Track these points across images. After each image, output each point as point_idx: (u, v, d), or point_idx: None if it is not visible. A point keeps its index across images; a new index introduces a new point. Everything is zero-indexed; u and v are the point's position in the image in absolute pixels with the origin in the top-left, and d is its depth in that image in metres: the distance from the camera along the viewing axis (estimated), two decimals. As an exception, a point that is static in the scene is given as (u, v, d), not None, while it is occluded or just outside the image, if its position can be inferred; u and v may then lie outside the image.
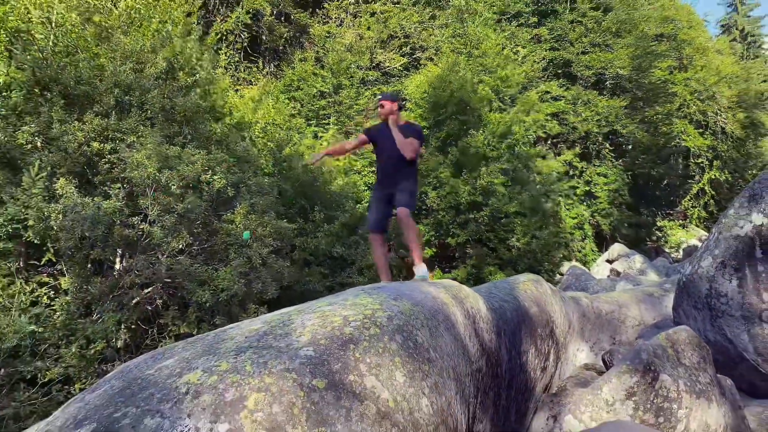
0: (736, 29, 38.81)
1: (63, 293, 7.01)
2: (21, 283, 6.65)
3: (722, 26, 40.32)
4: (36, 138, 7.24)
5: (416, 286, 3.22)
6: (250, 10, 17.02)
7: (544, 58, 20.33)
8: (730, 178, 22.50)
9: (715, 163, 22.30)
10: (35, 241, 6.76)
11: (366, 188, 15.17)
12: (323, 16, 19.56)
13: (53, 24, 7.72)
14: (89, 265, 7.22)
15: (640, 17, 21.15)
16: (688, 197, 22.21)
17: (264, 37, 18.23)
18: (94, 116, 7.55)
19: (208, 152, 8.56)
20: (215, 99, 10.23)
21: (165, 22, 9.36)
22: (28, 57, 7.20)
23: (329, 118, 17.19)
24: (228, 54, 14.52)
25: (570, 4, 21.41)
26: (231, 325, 2.60)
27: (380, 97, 5.02)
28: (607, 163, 20.18)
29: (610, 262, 16.68)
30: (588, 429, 3.39)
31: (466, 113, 16.46)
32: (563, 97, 20.11)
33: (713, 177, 22.04)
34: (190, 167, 7.79)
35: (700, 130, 22.25)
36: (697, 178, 22.50)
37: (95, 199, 6.91)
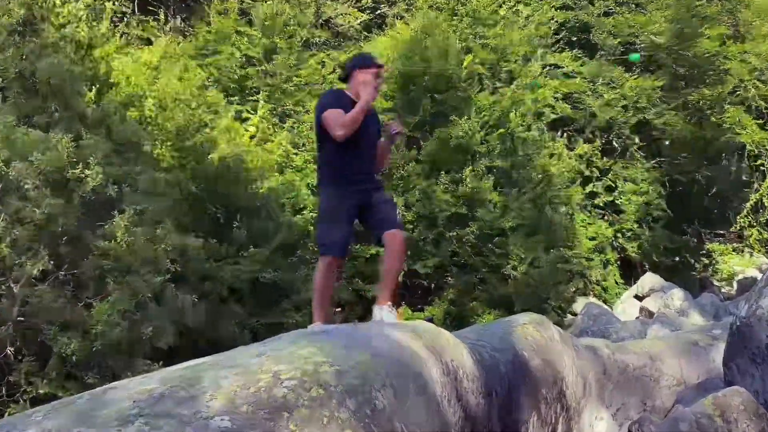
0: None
1: None
2: None
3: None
4: None
5: (377, 331, 3.24)
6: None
7: (553, 19, 20.63)
8: (801, 187, 23.01)
9: (779, 165, 22.80)
10: None
11: (310, 193, 15.11)
12: (252, -48, 19.54)
13: None
14: None
15: (683, -33, 21.66)
16: (744, 212, 22.63)
17: (168, -20, 18.11)
18: None
19: (79, 137, 8.42)
20: (95, 64, 10.09)
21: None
22: None
23: (258, 93, 17.12)
24: (117, 2, 14.32)
25: (590, -56, 21.81)
26: (113, 384, 2.56)
27: (377, 59, 5.10)
28: (636, 164, 20.49)
29: (639, 298, 16.99)
30: None
31: (447, 92, 16.58)
32: (578, 73, 20.41)
33: (775, 184, 22.46)
34: (52, 157, 7.64)
35: (761, 121, 22.77)
36: (756, 186, 22.91)
37: None
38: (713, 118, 21.67)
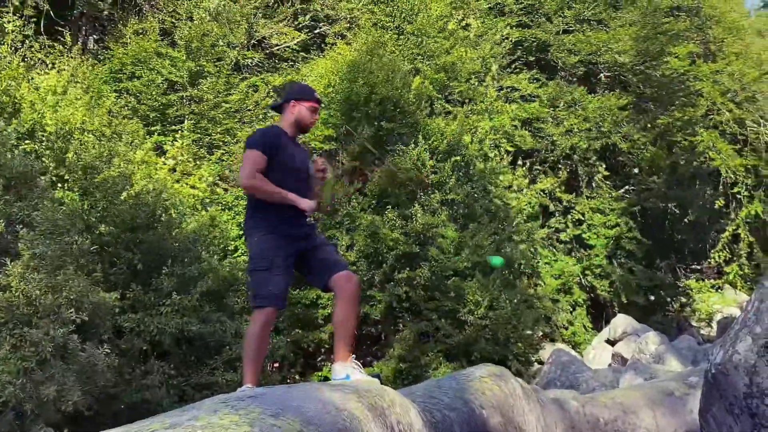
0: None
1: None
2: None
3: (765, -1, 42.67)
4: None
5: (311, 393, 3.20)
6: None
7: (508, 38, 20.98)
8: (779, 217, 23.38)
9: (756, 193, 23.17)
10: None
11: (240, 232, 15.00)
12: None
13: None
14: None
15: (648, -18, 22.19)
16: (720, 245, 22.94)
17: (77, -4, 17.91)
18: None
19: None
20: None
21: None
22: None
23: (182, 122, 17.00)
24: (15, 23, 14.10)
25: (546, -42, 22.28)
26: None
27: (316, 94, 5.11)
28: (603, 194, 20.76)
29: (611, 343, 17.20)
30: None
31: (393, 118, 16.70)
32: (537, 96, 20.71)
33: (753, 214, 22.76)
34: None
35: (736, 146, 23.24)
36: (732, 215, 23.24)
37: None
38: (684, 142, 22.09)
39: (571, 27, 21.72)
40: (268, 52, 19.60)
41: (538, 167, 20.82)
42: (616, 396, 7.01)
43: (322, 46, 20.17)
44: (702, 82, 22.42)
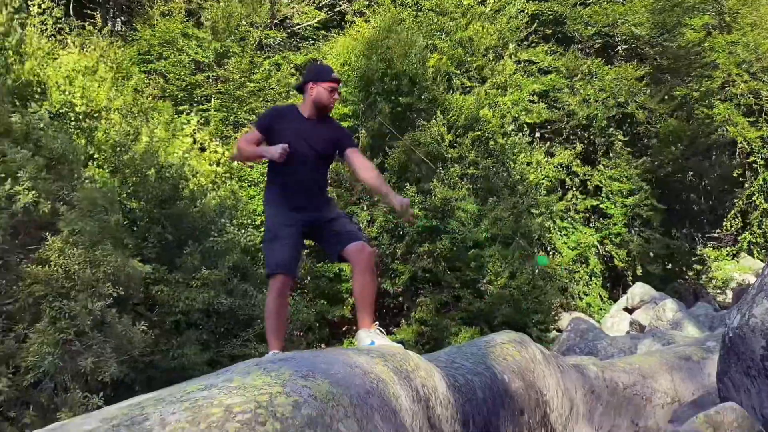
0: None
1: None
2: None
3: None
4: None
5: (338, 357, 3.23)
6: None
7: (524, 11, 20.80)
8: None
9: (772, 163, 23.05)
10: None
11: (266, 208, 15.09)
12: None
13: None
14: None
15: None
16: (733, 212, 22.85)
17: (105, -21, 17.99)
18: None
19: (3, 153, 8.33)
20: (22, 71, 10.00)
21: None
22: None
23: (209, 101, 17.06)
24: (46, 3, 14.14)
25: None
26: (51, 426, 2.53)
27: (334, 74, 5.10)
28: (621, 163, 20.66)
29: (629, 310, 17.13)
30: None
31: (411, 94, 16.65)
32: (554, 68, 20.59)
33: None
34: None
35: (752, 118, 23.09)
36: (747, 185, 23.16)
37: None
38: (700, 113, 21.94)
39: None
40: (289, 31, 19.59)
41: (557, 138, 20.71)
42: (635, 361, 7.00)
43: (342, 24, 20.10)
44: (717, 53, 22.24)
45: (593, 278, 19.18)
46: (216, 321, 11.66)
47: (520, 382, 4.78)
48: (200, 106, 16.93)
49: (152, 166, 11.54)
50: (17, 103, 9.51)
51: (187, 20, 17.93)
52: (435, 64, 17.20)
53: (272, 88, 17.59)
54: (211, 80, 17.26)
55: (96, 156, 11.65)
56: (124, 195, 11.15)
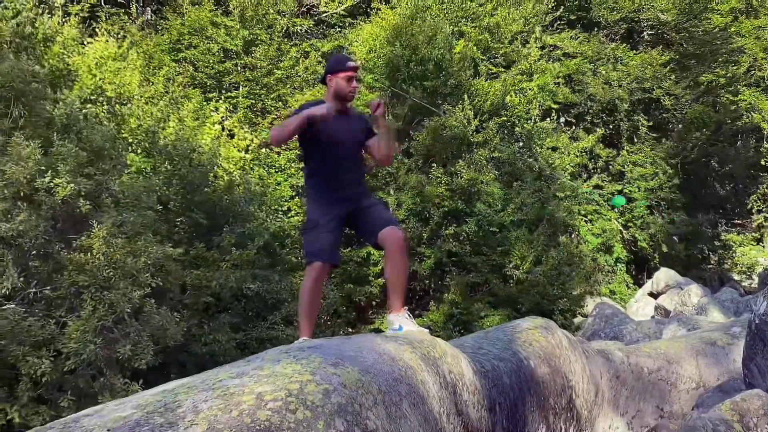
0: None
1: None
2: None
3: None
4: None
5: (366, 344, 3.23)
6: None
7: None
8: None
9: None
10: None
11: (294, 194, 15.13)
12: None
13: None
14: None
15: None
16: (754, 196, 22.71)
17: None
18: None
19: (49, 143, 8.38)
20: (57, 61, 10.05)
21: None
22: None
23: (237, 89, 17.11)
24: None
25: None
26: (86, 411, 2.56)
27: (350, 62, 5.08)
28: (644, 148, 20.55)
29: (654, 295, 17.03)
30: None
31: (437, 78, 16.62)
32: (579, 53, 20.46)
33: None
34: (18, 167, 7.60)
35: (778, 103, 22.86)
36: (772, 171, 23.00)
37: None
38: (725, 100, 21.76)
39: (613, -15, 21.35)
40: (316, 18, 19.57)
41: (582, 122, 20.61)
42: (660, 346, 6.97)
43: (368, 11, 20.05)
44: (744, 38, 22.01)
45: (618, 264, 19.13)
46: (245, 304, 11.74)
47: (546, 368, 4.77)
48: (228, 93, 16.99)
49: (185, 153, 11.61)
50: (48, 90, 9.56)
51: (216, 8, 17.97)
52: (461, 50, 17.13)
53: (299, 76, 17.61)
54: (239, 68, 17.30)
55: (130, 140, 11.73)
56: (158, 181, 11.21)
